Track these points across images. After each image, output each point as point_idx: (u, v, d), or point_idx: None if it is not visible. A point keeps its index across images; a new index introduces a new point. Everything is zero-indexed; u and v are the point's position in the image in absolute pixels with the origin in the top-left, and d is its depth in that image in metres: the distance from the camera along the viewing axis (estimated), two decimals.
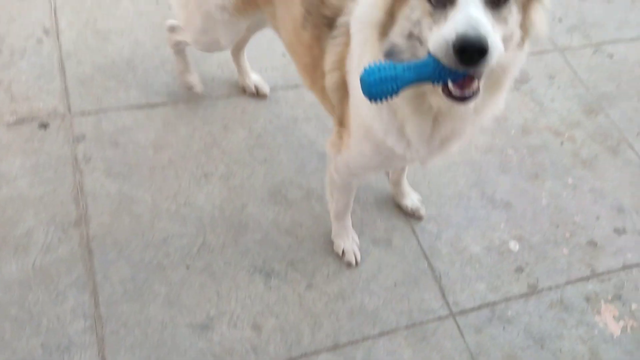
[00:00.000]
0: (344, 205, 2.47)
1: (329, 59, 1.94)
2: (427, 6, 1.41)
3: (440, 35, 1.34)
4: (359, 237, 2.63)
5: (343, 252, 2.57)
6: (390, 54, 1.53)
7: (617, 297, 2.65)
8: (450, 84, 1.42)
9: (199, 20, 2.36)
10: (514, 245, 2.77)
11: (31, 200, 2.51)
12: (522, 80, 3.45)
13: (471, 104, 1.53)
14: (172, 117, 2.89)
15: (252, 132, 2.92)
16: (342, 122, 2.09)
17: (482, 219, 2.84)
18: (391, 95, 1.43)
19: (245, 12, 2.27)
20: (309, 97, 3.08)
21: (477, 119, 1.74)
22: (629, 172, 3.16)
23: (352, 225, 2.63)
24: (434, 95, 1.56)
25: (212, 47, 2.57)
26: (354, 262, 2.56)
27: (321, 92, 2.11)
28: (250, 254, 2.53)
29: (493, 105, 1.73)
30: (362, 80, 1.44)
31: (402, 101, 1.65)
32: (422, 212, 2.77)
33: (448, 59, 1.33)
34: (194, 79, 2.93)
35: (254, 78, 3.03)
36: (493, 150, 3.11)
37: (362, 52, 1.71)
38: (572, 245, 2.82)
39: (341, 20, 1.87)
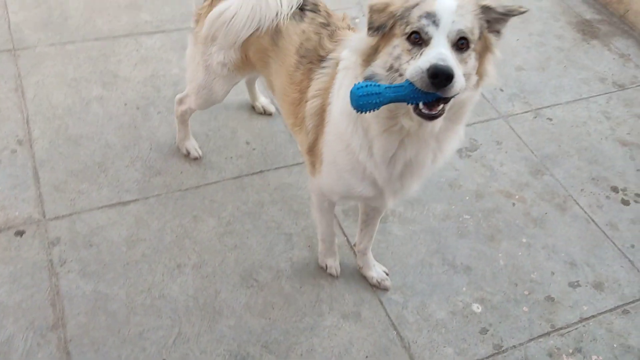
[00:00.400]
0: (326, 226, 2.78)
1: (314, 87, 2.31)
2: (407, 44, 1.80)
3: (417, 65, 1.71)
4: (328, 313, 2.76)
5: (327, 266, 2.94)
6: (369, 79, 1.88)
7: (578, 350, 2.79)
8: (421, 105, 1.77)
9: (201, 73, 2.80)
10: (477, 308, 2.92)
11: (10, 307, 2.59)
12: (472, 148, 3.71)
13: (436, 124, 1.90)
14: (144, 213, 3.04)
15: (221, 220, 3.08)
16: (312, 149, 2.40)
17: (445, 285, 2.99)
18: (374, 108, 1.79)
19: (243, 70, 2.75)
20: (274, 181, 3.30)
21: (438, 149, 2.09)
22: (577, 227, 3.38)
23: (321, 301, 2.78)
24: (406, 118, 1.91)
25: (208, 101, 2.97)
26: (335, 275, 2.95)
27: (300, 122, 2.43)
28: (225, 340, 2.63)
29: (453, 136, 2.09)
30: (352, 93, 1.78)
31: (374, 120, 1.98)
32: (388, 283, 2.92)
33: (422, 83, 1.69)
34: (192, 145, 3.33)
35: (262, 100, 3.65)
36: (450, 216, 3.31)
37: (344, 76, 2.10)
38: (532, 302, 2.98)
39: (332, 55, 2.29)
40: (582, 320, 2.94)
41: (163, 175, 3.23)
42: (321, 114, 2.29)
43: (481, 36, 1.87)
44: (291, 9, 2.44)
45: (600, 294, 3.08)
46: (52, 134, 3.31)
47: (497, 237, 3.25)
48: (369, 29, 1.91)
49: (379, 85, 1.79)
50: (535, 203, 3.47)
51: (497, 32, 1.93)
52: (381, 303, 2.87)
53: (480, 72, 1.90)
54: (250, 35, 2.51)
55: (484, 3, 1.88)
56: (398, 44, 1.83)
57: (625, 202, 3.57)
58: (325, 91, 2.25)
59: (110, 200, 3.06)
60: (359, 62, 1.97)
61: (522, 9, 1.93)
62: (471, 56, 1.83)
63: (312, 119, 2.35)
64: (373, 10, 1.91)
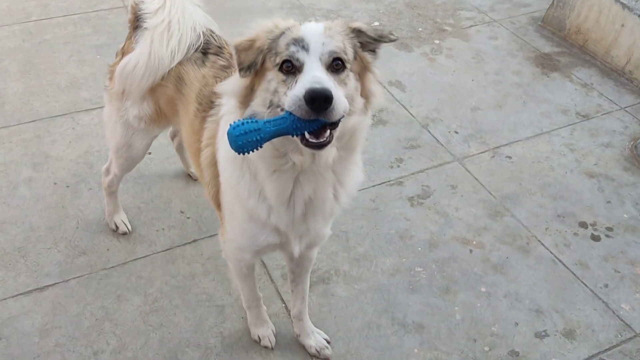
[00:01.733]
0: (249, 292, 2.54)
1: (205, 136, 2.19)
2: (281, 75, 1.70)
3: (292, 94, 1.61)
4: None
5: (259, 338, 2.67)
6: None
7: None
8: (307, 135, 1.64)
9: (119, 130, 2.69)
10: None
11: None
12: (425, 195, 3.48)
13: (330, 155, 1.78)
14: (62, 297, 2.81)
15: (147, 298, 2.84)
16: (218, 202, 2.24)
17: (394, 348, 2.69)
18: (256, 147, 1.64)
19: (158, 122, 2.64)
20: (207, 249, 3.08)
21: (338, 182, 1.94)
22: (543, 269, 3.08)
23: None
24: (296, 153, 1.78)
25: (129, 159, 2.83)
26: (270, 347, 2.66)
27: (202, 174, 2.30)
28: None
29: (351, 167, 1.96)
30: (228, 134, 1.63)
31: (261, 162, 1.84)
32: (328, 351, 2.63)
33: (301, 111, 1.58)
34: (121, 219, 3.15)
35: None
36: (400, 270, 3.04)
37: (227, 122, 1.91)
38: (493, 359, 2.65)
39: (219, 100, 2.12)
40: None
41: (88, 254, 3.02)
42: (215, 164, 2.15)
43: (356, 56, 1.79)
44: (187, 53, 2.37)
45: (571, 343, 2.74)
46: None
47: (452, 289, 2.96)
48: (240, 69, 1.79)
49: (256, 121, 1.65)
50: (494, 247, 3.19)
51: (373, 52, 1.85)
52: None
53: (365, 94, 1.82)
54: (159, 85, 2.45)
55: (354, 26, 1.82)
56: (272, 78, 1.73)
57: (596, 238, 3.28)
58: (214, 139, 2.13)
59: (27, 287, 2.84)
60: (237, 105, 1.84)
61: (393, 37, 1.85)
62: (349, 77, 1.75)
63: (208, 170, 2.22)
64: (239, 50, 1.80)
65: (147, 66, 2.37)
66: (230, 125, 1.64)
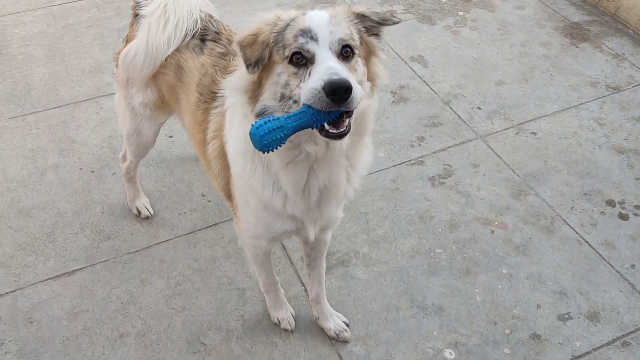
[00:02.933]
0: (266, 277, 2.57)
1: (211, 128, 2.19)
2: (292, 68, 1.68)
3: (310, 87, 1.59)
4: None
5: (279, 321, 2.70)
6: (261, 114, 1.75)
7: None
8: (326, 125, 1.64)
9: (129, 117, 2.73)
10: (449, 354, 2.60)
11: None
12: (446, 174, 3.43)
13: (344, 142, 1.77)
14: (89, 281, 2.89)
15: (170, 281, 2.90)
16: (228, 194, 2.26)
17: (413, 330, 2.69)
18: (280, 144, 1.64)
19: (162, 109, 2.65)
20: (228, 233, 3.11)
21: (350, 166, 1.95)
22: (567, 250, 3.02)
23: None
24: (310, 143, 1.78)
25: (140, 145, 2.86)
26: (290, 329, 2.69)
27: (209, 166, 2.30)
28: None
29: (362, 150, 1.97)
30: (252, 135, 1.62)
31: (275, 154, 1.82)
32: (347, 334, 2.65)
33: (322, 103, 1.57)
34: (143, 204, 3.19)
35: None
36: (420, 252, 3.02)
37: (233, 114, 1.98)
38: (514, 342, 2.64)
39: (222, 92, 2.12)
40: (574, 358, 2.58)
41: (113, 239, 3.10)
42: (223, 156, 2.16)
43: (362, 41, 1.80)
44: (184, 39, 2.38)
45: (595, 325, 2.70)
46: (4, 208, 3.24)
47: (473, 271, 2.94)
48: (247, 66, 1.77)
49: (278, 119, 1.64)
50: (517, 228, 3.14)
51: (377, 35, 1.86)
52: (340, 358, 2.59)
53: (370, 77, 1.84)
54: (160, 72, 2.46)
55: (357, 11, 1.82)
56: (282, 71, 1.72)
57: (624, 217, 3.19)
58: (221, 131, 2.13)
59: (55, 272, 2.94)
60: (245, 100, 1.84)
61: (395, 19, 1.84)
62: (358, 62, 1.76)
63: (216, 163, 2.23)
64: (243, 46, 1.78)
65: (146, 54, 2.39)
66: (253, 125, 1.63)
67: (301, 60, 1.67)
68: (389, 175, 3.42)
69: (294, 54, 1.68)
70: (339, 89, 1.55)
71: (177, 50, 2.39)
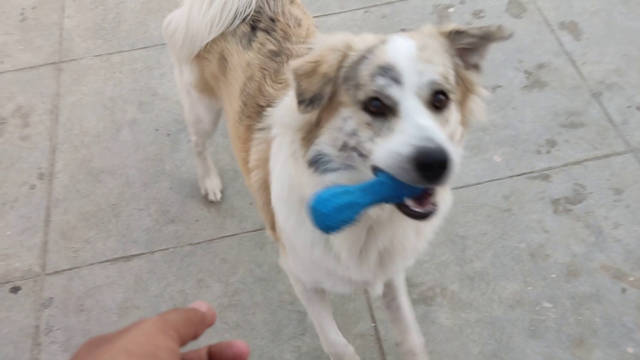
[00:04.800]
0: (316, 318, 2.07)
1: (254, 156, 1.84)
2: (365, 117, 1.31)
3: (391, 150, 1.23)
4: None
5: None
6: (314, 162, 1.40)
7: None
8: (408, 201, 1.28)
9: (185, 97, 2.48)
10: None
11: None
12: (575, 199, 2.74)
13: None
14: (145, 272, 2.68)
15: (228, 288, 2.62)
16: (273, 226, 1.89)
17: None
18: (350, 224, 1.25)
19: (206, 92, 2.28)
20: None
21: (420, 224, 1.56)
22: None
23: None
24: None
25: (198, 128, 2.59)
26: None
27: (251, 189, 1.98)
28: None
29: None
30: (313, 210, 1.25)
31: None
32: None
33: (406, 175, 1.21)
34: (212, 186, 2.87)
35: None
36: (523, 302, 2.47)
37: (279, 147, 1.60)
38: None
39: (270, 110, 1.75)
40: None
41: (176, 223, 2.83)
42: (267, 188, 1.76)
43: (457, 79, 1.39)
44: (233, 23, 1.95)
45: None
46: (75, 166, 3.06)
47: (588, 342, 2.35)
48: (300, 102, 1.33)
49: (349, 191, 1.25)
50: None
51: (476, 67, 1.44)
52: None
53: (463, 118, 1.43)
54: (202, 57, 2.10)
55: (450, 29, 1.41)
56: (350, 116, 1.33)
57: None
58: (265, 162, 1.74)
59: (114, 253, 2.75)
60: (297, 141, 1.46)
61: (504, 33, 1.38)
62: (452, 110, 1.35)
63: (260, 195, 1.86)
64: (299, 76, 1.33)
65: (185, 34, 2.02)
66: (315, 198, 1.25)
67: (380, 108, 1.28)
68: (502, 190, 2.79)
69: (371, 99, 1.28)
70: (433, 163, 1.17)
71: (222, 36, 1.97)
